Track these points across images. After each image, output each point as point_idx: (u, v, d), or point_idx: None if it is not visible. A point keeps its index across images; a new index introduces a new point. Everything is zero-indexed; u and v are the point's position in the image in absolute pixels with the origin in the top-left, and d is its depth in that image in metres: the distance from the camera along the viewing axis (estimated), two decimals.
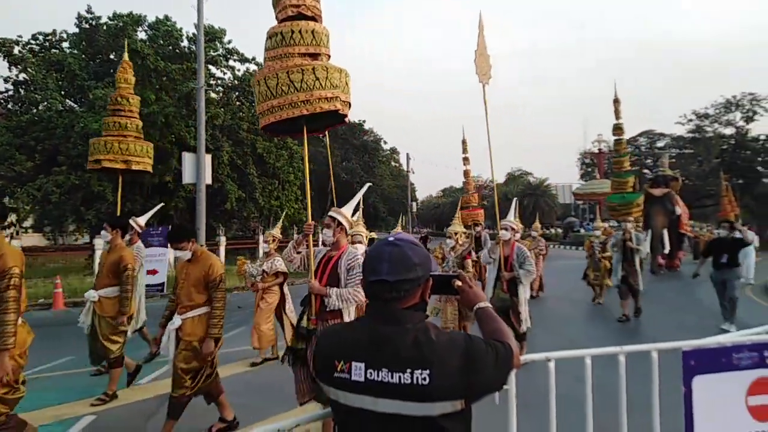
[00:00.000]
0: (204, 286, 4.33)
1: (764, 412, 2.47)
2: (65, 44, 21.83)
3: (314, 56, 4.08)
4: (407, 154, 45.15)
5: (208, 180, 14.73)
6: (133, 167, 8.14)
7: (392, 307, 1.47)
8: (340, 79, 4.07)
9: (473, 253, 8.40)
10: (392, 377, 1.37)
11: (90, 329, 5.52)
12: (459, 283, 1.68)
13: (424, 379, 1.35)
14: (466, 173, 16.69)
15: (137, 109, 8.40)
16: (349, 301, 3.89)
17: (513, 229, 6.55)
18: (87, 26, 21.80)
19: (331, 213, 4.32)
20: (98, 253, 16.68)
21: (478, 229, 13.85)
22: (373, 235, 10.54)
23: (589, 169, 45.61)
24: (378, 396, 1.39)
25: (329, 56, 4.28)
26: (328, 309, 3.92)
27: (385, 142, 50.62)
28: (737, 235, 8.27)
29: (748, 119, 39.59)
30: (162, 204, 9.13)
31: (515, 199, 8.15)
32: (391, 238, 1.55)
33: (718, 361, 2.47)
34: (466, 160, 16.19)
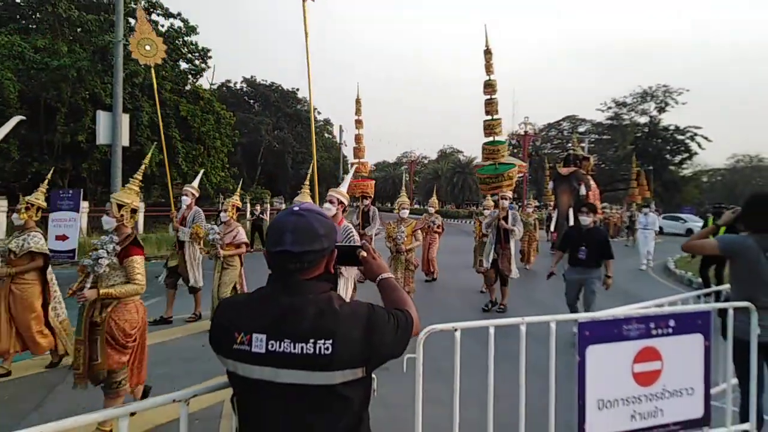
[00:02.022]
0: None
1: (647, 377, 2.70)
2: None
3: None
4: (340, 126, 44.63)
5: (125, 142, 13.85)
6: None
7: (296, 278, 1.45)
8: None
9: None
10: (294, 348, 1.36)
11: None
12: (363, 254, 1.69)
13: (327, 348, 1.35)
14: (357, 138, 14.54)
15: None
16: None
17: (340, 202, 4.84)
18: None
19: None
20: (1, 217, 15.42)
21: (366, 202, 11.82)
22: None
23: (515, 150, 47.24)
24: (279, 367, 1.37)
25: None
26: None
27: (319, 113, 49.84)
28: (587, 221, 6.40)
29: (661, 110, 42.44)
30: (21, 118, 6.58)
31: (353, 165, 6.87)
32: (296, 208, 1.52)
33: (610, 332, 2.66)
34: (358, 123, 14.30)
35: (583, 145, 43.67)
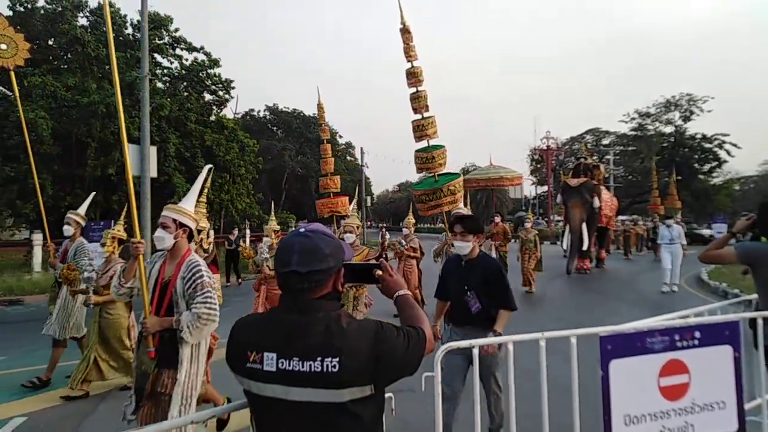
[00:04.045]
0: None
1: (674, 391, 2.63)
2: None
3: None
4: (361, 149, 44.94)
5: (153, 173, 14.27)
6: None
7: (304, 297, 1.49)
8: None
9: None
10: (303, 366, 1.39)
11: None
12: (380, 272, 1.71)
13: (334, 366, 1.37)
14: (324, 149, 12.07)
15: None
16: None
17: (180, 225, 3.33)
18: (22, 9, 20.65)
19: None
20: (37, 249, 15.92)
21: (343, 222, 10.15)
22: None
23: (539, 165, 46.88)
24: (289, 385, 1.40)
25: None
26: None
27: (341, 136, 50.41)
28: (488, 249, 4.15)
29: (686, 118, 41.71)
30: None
31: (210, 168, 4.26)
32: (302, 229, 1.56)
33: (633, 345, 2.60)
34: (323, 131, 12.12)
35: (608, 157, 43.21)
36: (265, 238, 6.86)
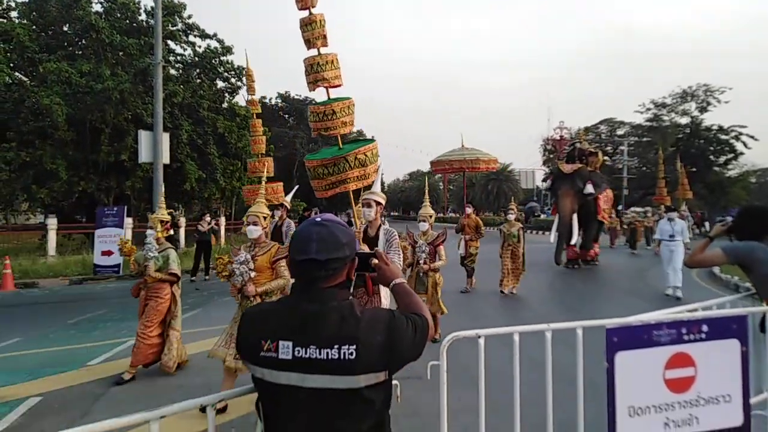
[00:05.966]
0: None
1: (679, 384, 2.64)
2: (14, 14, 20.73)
3: None
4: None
5: (166, 159, 14.40)
6: None
7: (319, 286, 1.52)
8: None
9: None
10: (320, 354, 1.43)
11: None
12: (375, 261, 1.74)
13: (351, 354, 1.42)
14: (253, 126, 10.32)
15: None
16: None
17: None
18: None
19: None
20: (51, 233, 16.16)
21: (279, 213, 8.22)
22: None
23: (551, 156, 46.50)
24: (306, 372, 1.44)
25: None
26: None
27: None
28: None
29: (702, 109, 41.07)
30: None
31: None
32: (318, 219, 1.59)
33: (640, 337, 2.62)
34: (252, 103, 10.29)
35: (622, 147, 42.72)
36: (149, 230, 5.55)
